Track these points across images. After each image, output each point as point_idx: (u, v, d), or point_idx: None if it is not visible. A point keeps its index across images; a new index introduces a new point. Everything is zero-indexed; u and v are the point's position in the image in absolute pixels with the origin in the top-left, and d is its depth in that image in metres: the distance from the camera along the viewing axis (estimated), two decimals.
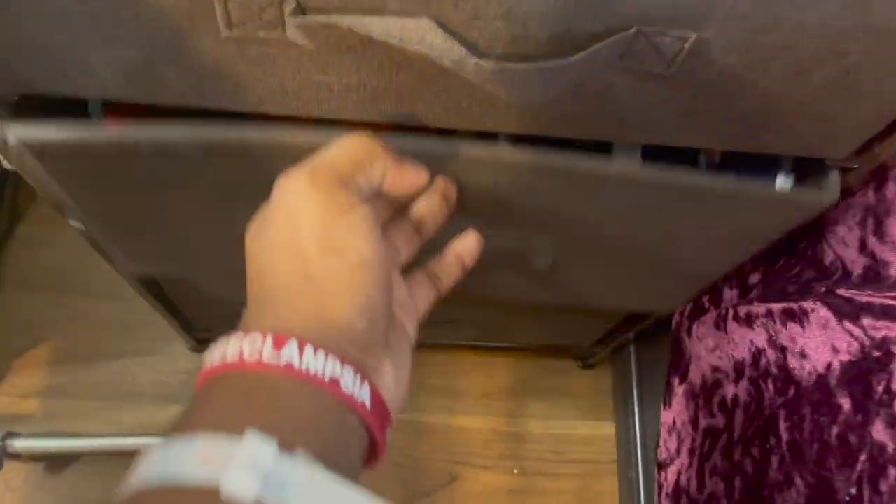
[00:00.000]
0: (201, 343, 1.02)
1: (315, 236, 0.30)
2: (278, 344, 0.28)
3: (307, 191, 0.31)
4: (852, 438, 0.47)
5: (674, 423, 0.73)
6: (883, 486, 0.45)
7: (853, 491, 0.45)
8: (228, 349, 0.29)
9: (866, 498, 0.45)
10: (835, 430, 0.49)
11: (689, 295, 0.67)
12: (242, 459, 0.23)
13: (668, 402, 0.74)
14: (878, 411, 0.46)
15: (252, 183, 0.39)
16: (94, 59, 0.36)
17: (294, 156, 0.34)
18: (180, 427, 0.26)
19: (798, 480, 0.52)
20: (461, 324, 0.90)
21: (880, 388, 0.46)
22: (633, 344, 0.96)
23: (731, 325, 0.63)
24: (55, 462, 0.96)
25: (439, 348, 1.06)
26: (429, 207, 0.40)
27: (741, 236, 0.54)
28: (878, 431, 0.46)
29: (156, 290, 0.83)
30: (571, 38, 0.33)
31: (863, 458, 0.46)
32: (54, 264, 1.07)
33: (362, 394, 0.29)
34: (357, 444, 0.30)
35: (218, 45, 0.35)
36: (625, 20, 0.32)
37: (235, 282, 0.38)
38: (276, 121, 0.42)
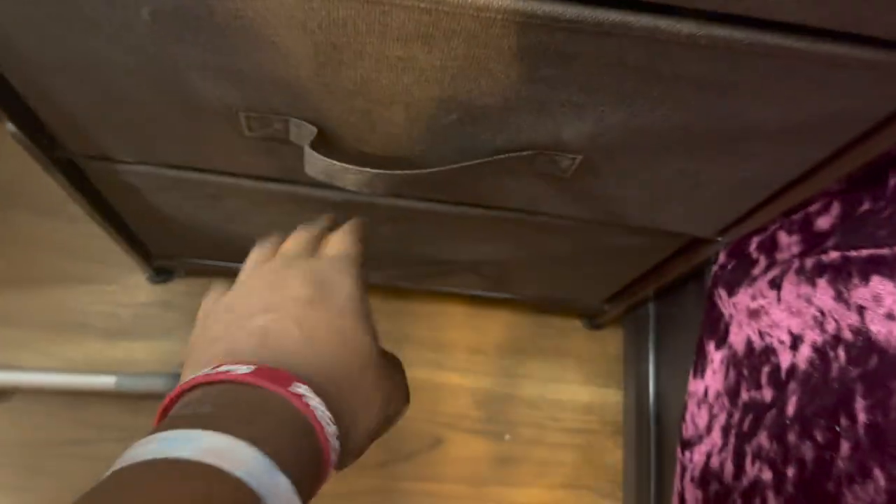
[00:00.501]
0: (159, 273, 0.90)
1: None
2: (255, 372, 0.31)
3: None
4: None
5: (705, 393, 0.61)
6: None
7: None
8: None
9: None
10: None
11: (740, 211, 0.55)
12: (239, 454, 0.26)
13: (699, 370, 0.62)
14: None
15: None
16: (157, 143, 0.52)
17: None
18: (176, 424, 0.28)
19: (877, 472, 0.40)
20: (453, 267, 0.78)
21: None
22: (653, 302, 0.84)
23: (790, 278, 0.51)
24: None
25: (427, 296, 0.94)
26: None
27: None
28: None
29: (111, 216, 0.71)
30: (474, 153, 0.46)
31: None
32: (4, 176, 0.94)
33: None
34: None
35: (244, 139, 0.49)
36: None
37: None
38: None
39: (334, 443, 0.31)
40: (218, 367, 0.31)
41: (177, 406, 0.31)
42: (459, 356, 0.93)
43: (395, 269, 0.78)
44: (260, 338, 0.34)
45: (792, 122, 0.42)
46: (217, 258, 0.82)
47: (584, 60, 0.38)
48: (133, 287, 0.92)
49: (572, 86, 0.40)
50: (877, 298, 0.44)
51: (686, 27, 0.34)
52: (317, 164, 0.47)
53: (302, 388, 0.31)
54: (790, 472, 0.46)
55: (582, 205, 0.57)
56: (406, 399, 0.40)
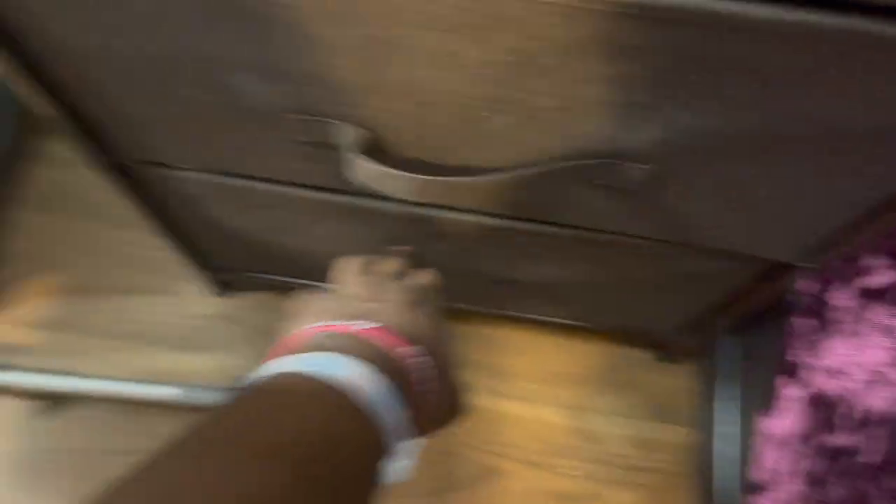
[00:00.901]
0: (223, 286, 0.90)
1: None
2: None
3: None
4: None
5: (780, 435, 0.55)
6: None
7: None
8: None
9: None
10: None
11: (828, 233, 0.50)
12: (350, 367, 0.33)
13: (774, 409, 0.56)
14: None
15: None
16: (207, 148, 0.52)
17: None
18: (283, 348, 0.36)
19: None
20: (514, 290, 0.74)
21: None
22: (729, 335, 0.78)
23: (876, 311, 0.45)
24: (47, 401, 0.85)
25: (489, 319, 0.91)
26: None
27: None
28: None
29: (172, 226, 0.72)
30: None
31: None
32: (75, 186, 0.97)
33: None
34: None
35: (293, 144, 0.48)
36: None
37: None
38: None
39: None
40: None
41: (299, 345, 0.36)
42: (521, 384, 0.89)
43: (453, 289, 0.75)
44: (365, 315, 0.40)
45: (890, 125, 0.38)
46: (275, 272, 0.82)
47: (649, 54, 0.34)
48: (197, 299, 0.92)
49: (637, 84, 0.37)
50: None
51: (768, 12, 0.31)
52: (365, 170, 0.45)
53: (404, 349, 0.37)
54: None
55: (652, 222, 0.53)
56: (463, 409, 0.46)
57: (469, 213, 0.58)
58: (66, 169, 0.98)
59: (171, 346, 0.89)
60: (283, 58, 0.39)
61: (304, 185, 0.57)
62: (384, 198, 0.48)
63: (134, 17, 0.38)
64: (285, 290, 0.90)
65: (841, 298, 0.53)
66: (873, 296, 0.49)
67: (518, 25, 0.33)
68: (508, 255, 0.64)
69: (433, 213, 0.58)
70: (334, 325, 0.38)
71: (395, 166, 0.44)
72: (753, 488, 0.59)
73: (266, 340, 0.88)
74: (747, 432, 0.72)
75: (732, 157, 0.42)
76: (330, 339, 0.37)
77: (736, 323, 0.76)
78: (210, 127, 0.49)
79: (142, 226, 0.89)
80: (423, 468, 0.83)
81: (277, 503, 0.25)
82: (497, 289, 0.73)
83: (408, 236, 0.63)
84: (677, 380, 0.89)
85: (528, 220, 0.56)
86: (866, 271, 0.51)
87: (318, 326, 0.39)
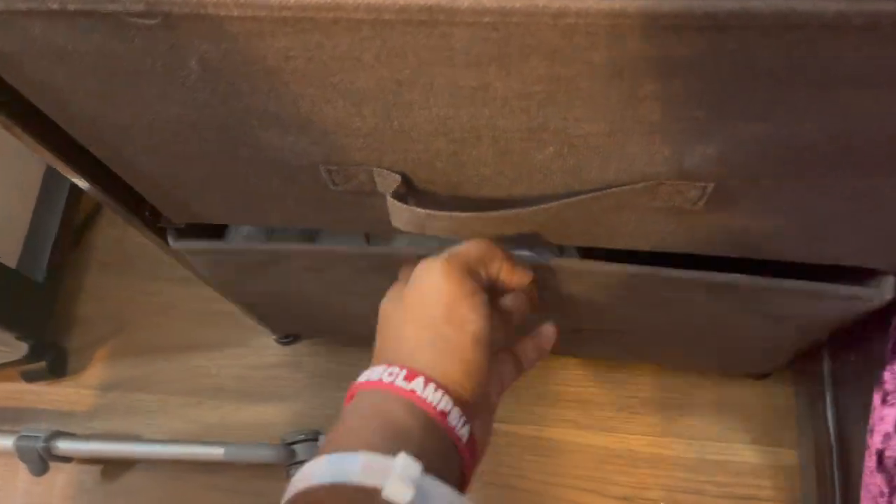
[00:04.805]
0: (286, 335, 0.89)
1: (443, 311, 0.40)
2: (410, 377, 0.38)
3: (442, 275, 0.41)
4: None
5: (879, 458, 0.49)
6: None
7: None
8: (373, 374, 0.40)
9: None
10: None
11: None
12: (399, 472, 0.31)
13: (870, 429, 0.50)
14: None
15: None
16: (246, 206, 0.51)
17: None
18: (336, 441, 0.35)
19: None
20: (587, 336, 0.70)
21: None
22: (828, 347, 0.71)
23: None
24: (110, 465, 0.86)
25: (565, 355, 0.86)
26: (516, 303, 0.47)
27: None
28: None
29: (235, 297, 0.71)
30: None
31: None
32: (141, 247, 0.98)
33: (463, 431, 0.38)
34: (452, 476, 0.38)
35: (330, 193, 0.46)
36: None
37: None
38: None
39: (456, 425, 0.38)
40: (388, 368, 0.39)
41: (351, 404, 0.39)
42: (601, 413, 0.84)
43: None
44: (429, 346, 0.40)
45: None
46: (334, 332, 0.80)
47: (697, 67, 0.30)
48: (262, 349, 0.91)
49: (689, 100, 0.33)
50: None
51: (833, 5, 0.26)
52: (401, 214, 0.42)
53: (443, 402, 0.37)
54: None
55: (723, 240, 0.48)
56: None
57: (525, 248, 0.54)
58: (129, 232, 0.99)
59: (239, 399, 0.89)
60: (303, 107, 0.37)
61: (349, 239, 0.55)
62: (428, 242, 0.45)
63: (162, 91, 0.37)
64: (344, 340, 0.89)
65: None
66: None
67: (548, 51, 0.30)
68: (575, 300, 0.60)
69: None
70: (400, 389, 0.37)
71: (434, 207, 0.41)
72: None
73: (329, 385, 0.87)
74: (854, 448, 0.65)
75: (808, 168, 0.37)
76: (386, 428, 0.36)
77: (834, 333, 0.69)
78: (246, 184, 0.47)
79: (204, 283, 0.89)
80: None
81: None
82: (564, 336, 0.69)
83: None
84: (773, 398, 0.82)
85: (591, 256, 0.53)
86: None
87: (371, 382, 0.39)
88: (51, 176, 0.90)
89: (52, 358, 0.89)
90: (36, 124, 0.42)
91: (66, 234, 0.91)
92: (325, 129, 0.39)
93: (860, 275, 0.52)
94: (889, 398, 0.51)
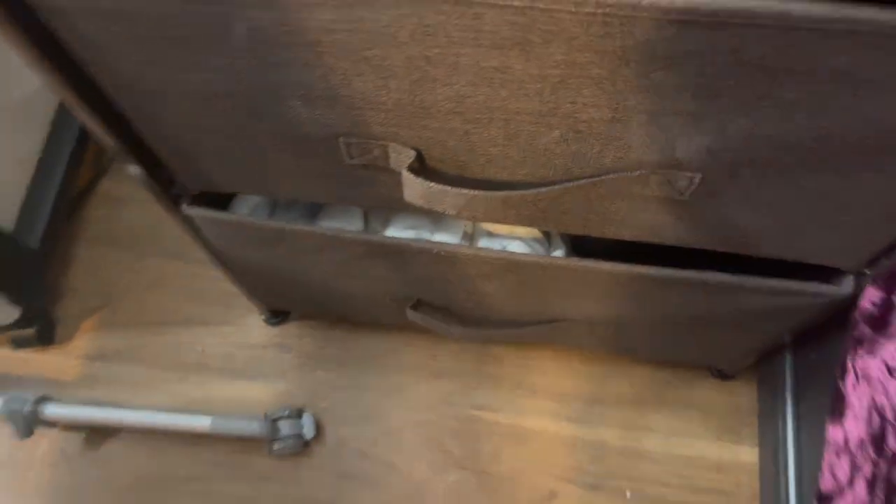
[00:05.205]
0: (275, 315, 0.92)
1: None
2: None
3: None
4: None
5: (846, 442, 0.53)
6: None
7: None
8: None
9: None
10: None
11: (891, 239, 0.49)
12: None
13: (838, 415, 0.54)
14: None
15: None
16: (263, 175, 0.54)
17: None
18: None
19: None
20: (564, 326, 0.74)
21: None
22: (790, 348, 0.76)
23: None
24: (93, 433, 0.87)
25: (543, 346, 0.90)
26: None
27: None
28: None
29: (228, 272, 0.74)
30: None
31: None
32: (134, 222, 1.00)
33: None
34: None
35: (345, 168, 0.49)
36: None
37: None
38: None
39: None
40: None
41: None
42: (576, 406, 0.88)
43: (505, 327, 0.75)
44: None
45: None
46: (324, 310, 0.83)
47: (697, 60, 0.34)
48: (250, 329, 0.94)
49: (686, 92, 0.37)
50: None
51: (820, 10, 0.30)
52: (415, 187, 0.46)
53: None
54: None
55: (704, 233, 0.52)
56: None
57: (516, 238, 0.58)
58: (122, 207, 1.01)
59: (227, 375, 0.91)
60: (334, 80, 0.40)
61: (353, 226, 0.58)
62: (427, 238, 0.49)
63: (203, 57, 0.40)
64: (332, 318, 0.91)
65: None
66: None
67: (567, 38, 0.34)
68: (559, 292, 0.64)
69: (483, 253, 0.59)
70: None
71: (443, 183, 0.45)
72: (821, 499, 0.57)
73: (315, 367, 0.89)
74: (811, 445, 0.69)
75: (789, 164, 0.41)
76: None
77: (798, 334, 0.74)
78: (266, 153, 0.50)
79: (196, 260, 0.91)
80: (480, 490, 0.82)
81: None
82: (548, 327, 0.72)
83: (442, 276, 0.64)
84: (737, 397, 0.87)
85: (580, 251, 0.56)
86: None
87: None
88: (50, 147, 0.91)
89: (41, 325, 0.90)
90: (77, 82, 0.44)
91: (61, 205, 0.92)
92: (350, 102, 0.42)
93: (822, 275, 0.56)
94: (851, 388, 0.56)
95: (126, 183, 1.02)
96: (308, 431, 0.85)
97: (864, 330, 0.52)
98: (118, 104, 0.46)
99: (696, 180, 0.44)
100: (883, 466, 0.48)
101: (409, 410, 0.88)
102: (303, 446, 0.86)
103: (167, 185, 0.57)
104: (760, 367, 0.85)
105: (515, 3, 0.32)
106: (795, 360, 0.75)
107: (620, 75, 0.36)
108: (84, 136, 0.96)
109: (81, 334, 0.94)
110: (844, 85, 0.34)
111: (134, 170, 0.54)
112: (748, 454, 0.84)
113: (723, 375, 0.87)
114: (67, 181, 0.94)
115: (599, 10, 0.32)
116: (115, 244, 0.99)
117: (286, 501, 0.84)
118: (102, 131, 0.48)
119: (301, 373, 0.91)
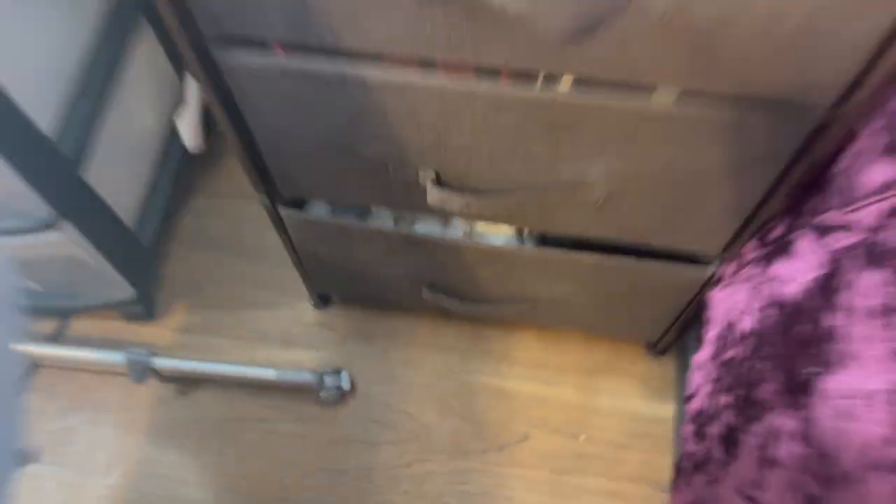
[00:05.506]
0: (321, 299, 1.22)
1: None
2: None
3: None
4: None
5: (702, 362, 0.83)
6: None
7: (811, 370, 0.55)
8: None
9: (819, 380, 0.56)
10: None
11: (731, 232, 0.79)
12: None
13: (699, 348, 0.84)
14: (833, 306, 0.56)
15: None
16: (338, 186, 0.83)
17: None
18: None
19: (771, 374, 0.62)
20: (537, 305, 1.04)
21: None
22: (694, 326, 1.06)
23: (745, 272, 0.74)
24: (183, 384, 1.17)
25: (525, 326, 1.20)
26: None
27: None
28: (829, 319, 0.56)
29: (297, 259, 1.05)
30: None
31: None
32: (215, 228, 1.32)
33: None
34: None
35: (390, 181, 0.79)
36: None
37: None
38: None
39: None
40: None
41: None
42: (546, 372, 1.17)
43: (494, 303, 1.05)
44: None
45: (731, 164, 0.68)
46: (358, 294, 1.14)
47: (581, 127, 0.65)
48: (302, 311, 1.24)
49: (578, 143, 0.68)
50: (779, 276, 0.67)
51: (660, 104, 0.62)
52: (434, 194, 0.77)
53: None
54: (739, 392, 0.67)
55: (614, 231, 0.83)
56: None
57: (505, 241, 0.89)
58: (208, 216, 1.33)
59: (280, 345, 1.21)
60: (394, 134, 0.72)
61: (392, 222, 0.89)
62: (432, 231, 0.80)
63: (324, 116, 0.71)
64: (365, 303, 1.22)
65: (729, 273, 0.82)
66: (746, 263, 0.77)
67: (523, 111, 0.65)
68: (531, 275, 0.95)
69: (481, 243, 0.90)
70: None
71: (453, 192, 0.76)
72: (687, 398, 0.86)
73: (351, 340, 1.19)
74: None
75: (653, 186, 0.72)
76: None
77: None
78: (342, 171, 0.81)
79: (262, 257, 1.22)
80: (473, 433, 1.11)
81: None
82: (525, 304, 1.03)
83: (455, 262, 0.95)
84: (665, 368, 1.17)
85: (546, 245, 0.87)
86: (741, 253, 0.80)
87: None
88: (159, 170, 1.23)
89: (147, 304, 1.21)
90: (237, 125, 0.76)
91: (165, 212, 1.24)
92: (400, 144, 0.73)
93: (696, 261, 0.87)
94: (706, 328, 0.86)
95: (213, 200, 1.34)
96: (345, 385, 1.15)
97: (712, 294, 0.83)
98: (253, 137, 0.78)
99: (603, 194, 0.75)
100: (716, 371, 0.77)
101: (421, 374, 1.18)
102: (341, 397, 1.15)
103: (271, 193, 0.88)
104: (678, 345, 1.15)
105: (524, 96, 0.63)
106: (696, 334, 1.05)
107: (532, 130, 0.67)
108: (183, 165, 1.28)
109: (175, 312, 1.25)
110: (665, 145, 0.66)
111: (253, 181, 0.85)
112: (669, 410, 1.14)
113: (657, 352, 1.17)
114: (170, 196, 1.25)
115: (534, 96, 0.63)
116: (201, 244, 1.30)
117: (329, 438, 1.14)
118: (242, 155, 0.79)
119: (340, 344, 1.21)
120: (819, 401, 0.55)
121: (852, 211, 0.56)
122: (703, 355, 0.83)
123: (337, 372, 1.15)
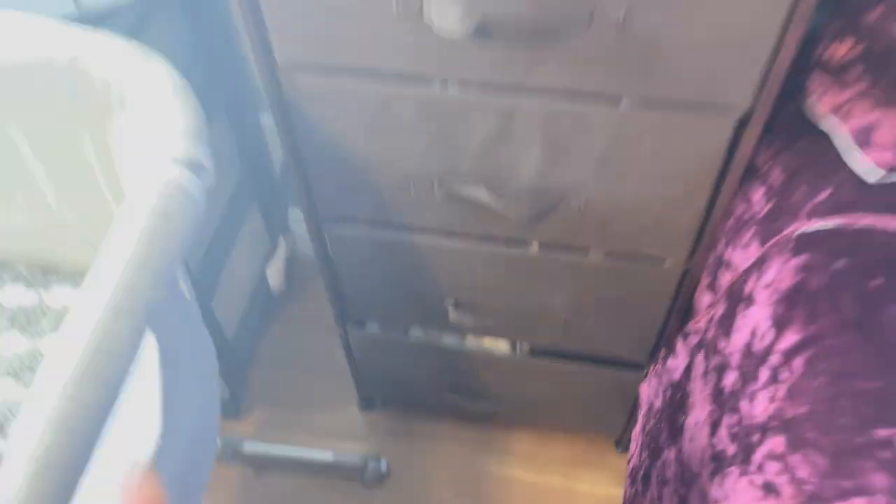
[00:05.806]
0: (367, 402, 1.61)
1: None
2: None
3: None
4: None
5: (636, 435, 1.20)
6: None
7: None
8: None
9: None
10: None
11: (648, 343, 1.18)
12: None
13: (635, 424, 1.21)
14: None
15: None
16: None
17: None
18: None
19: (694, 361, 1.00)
20: (527, 406, 1.42)
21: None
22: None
23: (656, 368, 1.13)
24: (257, 468, 1.54)
25: (521, 425, 1.57)
26: None
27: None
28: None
29: (354, 368, 1.45)
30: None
31: None
32: (287, 348, 1.73)
33: None
34: None
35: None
36: None
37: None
38: None
39: None
40: None
41: None
42: (537, 463, 1.52)
43: (498, 402, 1.43)
44: None
45: (631, 299, 1.09)
46: (398, 396, 1.53)
47: (545, 272, 1.07)
48: (352, 412, 1.62)
49: (543, 282, 1.10)
50: (670, 368, 1.05)
51: (591, 260, 1.04)
52: (454, 315, 1.18)
53: None
54: (651, 446, 1.04)
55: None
56: None
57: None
58: (286, 333, 1.75)
59: (335, 438, 1.58)
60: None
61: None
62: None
63: (385, 266, 1.14)
64: (402, 406, 1.60)
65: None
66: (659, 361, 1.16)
67: (505, 261, 1.08)
68: (531, 280, 1.34)
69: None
70: None
71: (465, 312, 1.17)
72: (628, 462, 1.21)
73: (389, 435, 1.56)
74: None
75: (588, 311, 1.13)
76: None
77: None
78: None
79: (323, 369, 1.62)
80: None
81: None
82: (522, 405, 1.42)
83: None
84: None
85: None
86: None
87: None
88: (254, 297, 1.66)
89: (236, 403, 1.60)
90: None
91: (257, 330, 1.66)
92: (435, 282, 1.15)
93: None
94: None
95: (287, 323, 1.77)
96: (384, 469, 1.51)
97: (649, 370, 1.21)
98: (342, 281, 1.21)
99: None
100: (646, 437, 1.14)
101: (440, 462, 1.54)
102: (380, 479, 1.51)
103: (342, 318, 1.30)
104: None
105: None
106: None
107: (526, 276, 1.09)
108: (268, 300, 1.71)
109: (254, 411, 1.63)
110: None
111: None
112: None
113: (623, 447, 1.52)
114: (258, 322, 1.68)
115: (515, 253, 1.06)
116: (277, 358, 1.71)
117: None
118: (332, 292, 1.22)
119: (380, 438, 1.58)
120: (684, 435, 0.93)
121: (696, 322, 0.96)
122: (636, 430, 1.20)
123: (377, 458, 1.51)
